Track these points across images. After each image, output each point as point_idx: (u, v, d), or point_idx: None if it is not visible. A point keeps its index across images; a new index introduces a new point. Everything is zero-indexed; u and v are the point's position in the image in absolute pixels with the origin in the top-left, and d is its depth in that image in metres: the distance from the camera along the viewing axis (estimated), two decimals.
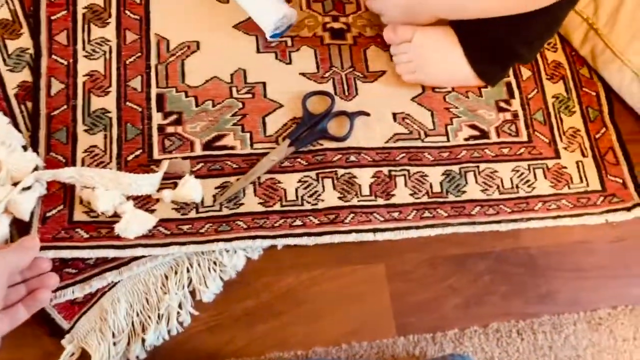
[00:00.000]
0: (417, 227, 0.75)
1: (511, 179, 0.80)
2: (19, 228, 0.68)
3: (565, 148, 0.84)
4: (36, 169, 0.69)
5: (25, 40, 0.77)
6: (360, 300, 0.73)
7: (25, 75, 0.76)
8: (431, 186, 0.78)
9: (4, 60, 0.76)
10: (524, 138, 0.83)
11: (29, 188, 0.67)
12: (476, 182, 0.79)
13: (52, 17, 0.78)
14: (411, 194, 0.77)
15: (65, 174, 0.67)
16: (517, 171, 0.81)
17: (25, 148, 0.71)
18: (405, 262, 0.75)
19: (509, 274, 0.77)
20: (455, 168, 0.79)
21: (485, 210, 0.78)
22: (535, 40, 0.77)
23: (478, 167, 0.80)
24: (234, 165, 0.75)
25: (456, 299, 0.74)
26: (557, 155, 0.83)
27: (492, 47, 0.76)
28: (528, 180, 0.81)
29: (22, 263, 0.60)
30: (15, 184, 0.66)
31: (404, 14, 0.77)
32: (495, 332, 0.73)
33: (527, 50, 0.77)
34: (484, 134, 0.82)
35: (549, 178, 0.82)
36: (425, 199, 0.77)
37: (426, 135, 0.80)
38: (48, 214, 0.69)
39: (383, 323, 0.72)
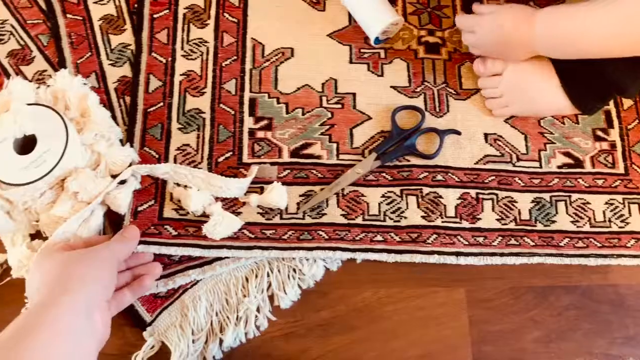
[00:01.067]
0: (502, 255, 0.73)
1: (604, 212, 0.77)
2: (111, 220, 0.70)
3: None
4: (131, 163, 0.71)
5: (127, 36, 0.80)
6: (438, 323, 0.71)
7: (126, 70, 0.78)
8: (519, 213, 0.75)
9: (106, 54, 0.79)
10: (621, 170, 0.79)
11: (124, 182, 0.70)
12: (567, 212, 0.76)
13: (155, 15, 0.80)
14: (498, 219, 0.75)
15: (160, 170, 0.69)
16: (611, 204, 0.77)
17: (122, 142, 0.73)
18: (487, 289, 0.73)
19: (595, 312, 0.73)
20: (546, 196, 0.76)
21: (575, 242, 0.75)
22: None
23: (570, 197, 0.77)
24: (319, 175, 0.74)
25: (537, 332, 0.72)
26: None
27: (594, 80, 0.72)
28: (622, 215, 0.77)
29: (126, 252, 0.63)
30: (112, 177, 0.69)
31: (500, 53, 0.75)
32: None
33: (632, 84, 0.73)
34: (579, 163, 0.79)
35: None
36: (512, 225, 0.75)
37: (518, 159, 0.78)
38: (139, 209, 0.71)
39: (459, 350, 0.70)
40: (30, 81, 0.74)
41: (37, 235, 0.69)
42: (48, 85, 0.71)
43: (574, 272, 0.74)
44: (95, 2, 0.81)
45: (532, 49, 0.70)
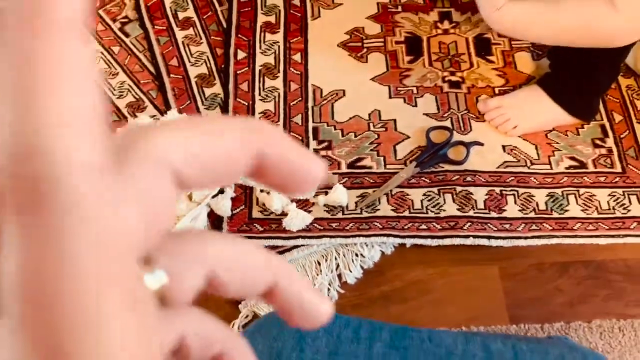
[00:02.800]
0: (526, 238, 0.89)
1: (608, 202, 0.93)
2: (211, 221, 0.90)
3: None
4: None
5: (217, 88, 1.04)
6: (478, 293, 0.86)
7: (217, 112, 1.01)
8: (537, 205, 0.92)
9: (202, 101, 1.02)
10: (618, 169, 0.96)
11: (222, 191, 0.90)
12: (577, 203, 0.93)
13: (238, 72, 1.05)
14: (520, 210, 0.92)
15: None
16: (613, 196, 0.94)
17: None
18: (516, 266, 0.88)
19: (609, 280, 0.87)
20: (558, 191, 0.93)
21: (586, 226, 0.90)
22: (610, 70, 0.93)
23: (578, 191, 0.94)
24: (371, 181, 0.94)
25: (562, 298, 0.86)
26: None
27: (577, 87, 0.93)
28: (623, 204, 0.93)
29: None
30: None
31: None
32: (598, 327, 0.83)
33: (608, 79, 0.94)
34: (583, 165, 0.96)
35: None
36: (532, 214, 0.91)
37: (532, 163, 0.96)
38: (234, 212, 0.90)
39: (498, 313, 0.85)
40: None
41: None
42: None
43: (588, 250, 0.89)
44: (192, 65, 1.06)
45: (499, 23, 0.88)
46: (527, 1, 0.86)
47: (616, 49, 0.82)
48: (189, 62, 1.07)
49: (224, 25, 1.11)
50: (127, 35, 1.11)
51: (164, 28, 1.11)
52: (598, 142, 0.99)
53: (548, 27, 0.85)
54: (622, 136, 1.00)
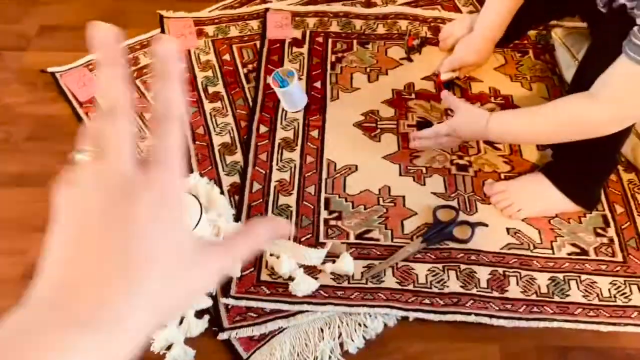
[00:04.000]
0: (527, 319, 0.91)
1: (609, 289, 0.95)
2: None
3: None
4: None
5: (238, 156, 1.11)
6: None
7: (235, 178, 1.07)
8: (539, 287, 0.94)
9: (222, 167, 1.09)
10: (620, 259, 0.99)
11: None
12: (578, 289, 0.94)
13: (259, 144, 1.12)
14: (522, 292, 0.93)
15: None
16: (614, 284, 0.95)
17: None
18: (516, 347, 0.89)
19: None
20: (560, 275, 0.96)
21: (587, 312, 0.92)
22: (606, 159, 0.98)
23: (580, 277, 0.96)
24: (378, 252, 0.97)
25: None
26: None
27: (577, 175, 0.98)
28: (625, 293, 0.94)
29: None
30: None
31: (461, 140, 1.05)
32: None
33: (606, 168, 1.00)
34: (584, 252, 0.99)
35: None
36: (534, 297, 0.93)
37: (534, 247, 0.99)
38: (243, 273, 0.94)
39: None
40: None
41: None
42: None
43: (588, 336, 0.90)
44: (217, 134, 1.14)
45: (485, 137, 0.99)
46: (509, 113, 0.95)
47: (607, 139, 0.86)
48: (214, 131, 1.14)
49: (250, 101, 1.20)
50: None
51: (194, 100, 1.20)
52: (600, 231, 1.02)
53: (535, 133, 0.93)
54: (623, 227, 1.03)
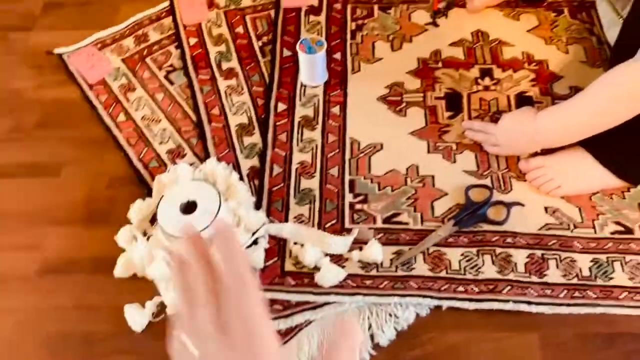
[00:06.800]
0: (568, 305, 0.85)
1: None
2: None
3: None
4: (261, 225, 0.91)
5: (256, 138, 1.05)
6: None
7: (254, 161, 1.02)
8: (580, 270, 0.88)
9: (241, 150, 1.03)
10: None
11: (256, 242, 0.90)
12: (623, 271, 0.88)
13: (277, 123, 1.06)
14: (562, 275, 0.88)
15: (286, 229, 0.89)
16: None
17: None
18: (557, 335, 0.84)
19: None
20: (603, 257, 0.89)
21: (633, 296, 0.86)
22: None
23: (624, 257, 0.89)
24: (407, 237, 0.92)
25: None
26: None
27: (623, 148, 0.90)
28: None
29: None
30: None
31: (513, 149, 0.99)
32: None
33: None
34: (629, 230, 0.92)
35: None
36: (575, 280, 0.87)
37: (575, 227, 0.92)
38: (266, 264, 0.90)
39: None
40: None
41: None
42: (200, 170, 0.95)
43: (636, 322, 0.84)
44: (234, 114, 1.08)
45: (536, 141, 0.94)
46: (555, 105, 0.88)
47: None
48: (230, 111, 1.08)
49: (266, 76, 1.13)
50: (171, 83, 1.14)
51: (208, 77, 1.14)
52: None
53: (588, 115, 0.86)
54: None
